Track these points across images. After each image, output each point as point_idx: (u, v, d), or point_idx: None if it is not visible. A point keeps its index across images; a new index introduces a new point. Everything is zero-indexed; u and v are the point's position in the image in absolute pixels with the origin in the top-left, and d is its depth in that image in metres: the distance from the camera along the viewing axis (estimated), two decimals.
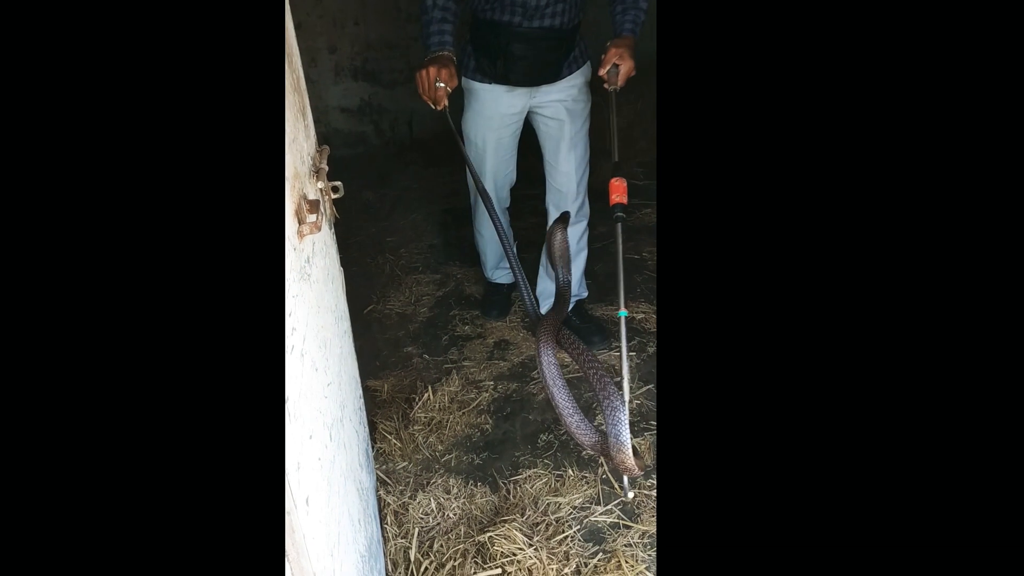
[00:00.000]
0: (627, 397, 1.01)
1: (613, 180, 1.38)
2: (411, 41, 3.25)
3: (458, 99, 1.67)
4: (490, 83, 1.67)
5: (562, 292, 1.12)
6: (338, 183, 1.09)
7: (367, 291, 2.31)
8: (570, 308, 1.99)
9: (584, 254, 1.95)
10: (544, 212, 1.93)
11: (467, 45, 1.69)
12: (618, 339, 1.96)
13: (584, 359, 0.95)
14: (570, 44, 1.65)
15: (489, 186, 1.83)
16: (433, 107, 1.49)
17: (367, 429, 1.41)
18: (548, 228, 1.22)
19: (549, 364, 0.97)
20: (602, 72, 1.56)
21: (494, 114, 1.71)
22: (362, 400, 1.37)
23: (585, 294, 2.04)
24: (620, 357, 1.11)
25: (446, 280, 2.37)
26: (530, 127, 1.82)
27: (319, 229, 0.85)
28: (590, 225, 1.94)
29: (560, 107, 1.72)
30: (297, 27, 0.88)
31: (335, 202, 1.16)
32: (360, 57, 3.30)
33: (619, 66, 1.54)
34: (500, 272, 2.11)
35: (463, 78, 1.69)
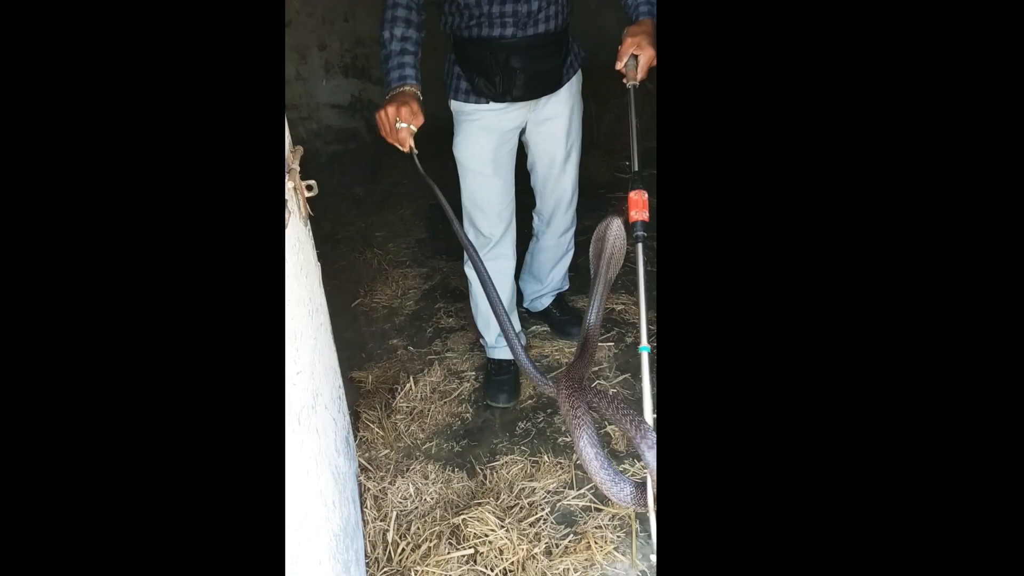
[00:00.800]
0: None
1: (632, 193, 1.20)
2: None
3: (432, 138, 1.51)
4: (487, 102, 1.53)
5: (590, 337, 0.99)
6: (312, 182, 1.14)
7: (355, 285, 2.36)
8: (551, 301, 2.02)
9: (570, 255, 1.94)
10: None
11: (453, 66, 1.56)
12: (601, 338, 2.01)
13: (617, 410, 0.83)
14: (565, 47, 1.55)
15: (492, 216, 1.65)
16: (401, 149, 1.34)
17: (347, 418, 1.46)
18: (602, 224, 1.09)
19: (587, 446, 0.82)
20: (619, 66, 1.38)
21: (492, 134, 1.57)
22: (342, 390, 1.42)
23: (567, 286, 2.05)
24: (642, 390, 0.91)
25: (432, 274, 2.42)
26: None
27: (287, 225, 0.90)
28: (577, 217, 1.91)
29: (560, 122, 1.62)
30: (287, 24, 0.93)
31: (312, 200, 1.20)
32: (350, 53, 3.34)
33: (638, 56, 1.36)
34: (504, 341, 1.84)
35: (452, 102, 1.57)
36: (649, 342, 1.71)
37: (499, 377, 1.82)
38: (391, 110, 1.30)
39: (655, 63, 1.36)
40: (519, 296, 2.02)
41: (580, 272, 2.25)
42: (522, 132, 1.65)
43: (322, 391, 1.19)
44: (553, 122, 1.62)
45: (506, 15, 1.43)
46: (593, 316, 1.01)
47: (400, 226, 2.74)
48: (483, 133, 1.56)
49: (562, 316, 2.02)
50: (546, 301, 2.01)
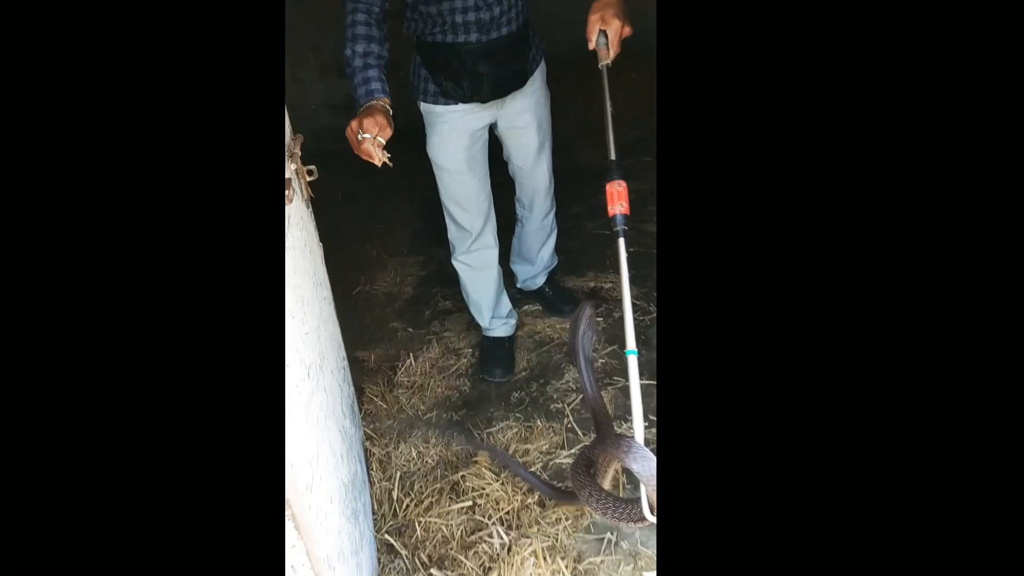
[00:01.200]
0: (641, 437, 0.94)
1: (610, 185, 1.14)
2: (394, 37, 3.40)
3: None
4: (456, 103, 1.57)
5: (596, 411, 1.04)
6: (312, 167, 1.25)
7: (355, 274, 2.47)
8: (544, 280, 2.10)
9: (554, 234, 2.01)
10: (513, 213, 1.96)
11: (419, 68, 1.58)
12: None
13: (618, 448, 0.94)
14: (527, 43, 1.59)
15: (473, 212, 1.73)
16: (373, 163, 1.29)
17: (352, 388, 1.57)
18: (576, 313, 1.09)
19: (597, 511, 0.96)
20: (591, 46, 1.31)
21: (464, 133, 1.62)
22: (346, 362, 1.53)
23: (555, 262, 2.10)
24: (631, 395, 0.94)
25: (429, 261, 2.52)
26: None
27: (291, 201, 1.01)
28: (559, 203, 2.00)
29: (529, 115, 1.67)
30: None
31: (313, 185, 1.31)
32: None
33: (607, 32, 1.27)
34: (498, 322, 1.93)
35: (422, 104, 1.61)
36: (614, 307, 1.75)
37: (495, 353, 1.92)
38: (355, 123, 1.27)
39: (628, 33, 1.30)
40: (513, 278, 2.13)
41: (570, 255, 2.36)
42: (494, 126, 1.70)
43: (328, 356, 1.30)
44: (523, 116, 1.67)
45: (469, 23, 1.46)
46: (590, 390, 1.03)
47: (397, 218, 2.85)
48: (455, 134, 1.61)
49: (555, 295, 2.11)
50: (540, 280, 2.09)
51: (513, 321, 1.97)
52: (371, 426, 1.75)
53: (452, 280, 2.39)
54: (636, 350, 1.00)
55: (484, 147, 1.71)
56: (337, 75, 3.49)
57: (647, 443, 0.94)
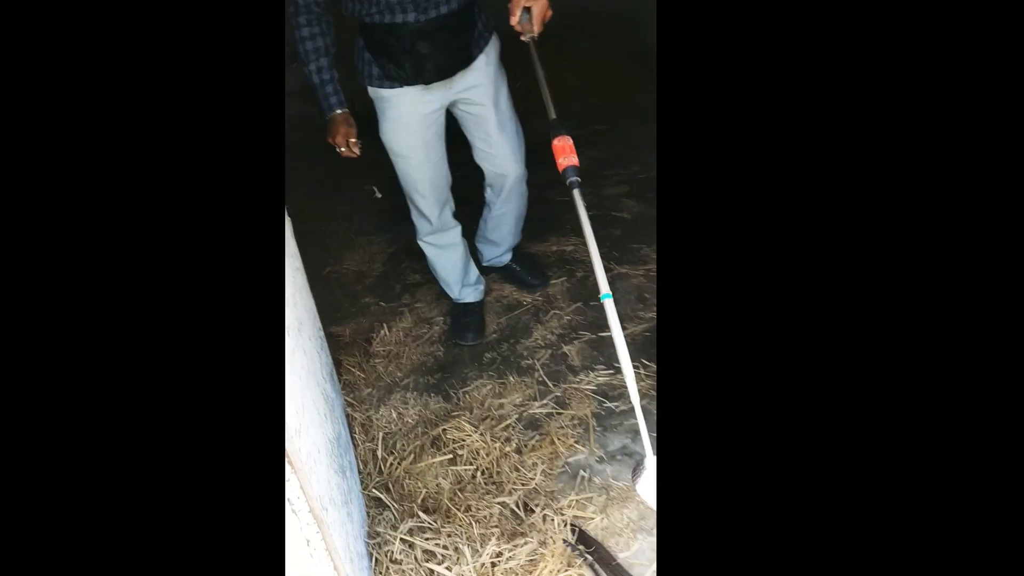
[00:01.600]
0: (632, 385, 1.01)
1: (555, 141, 1.20)
2: (352, 21, 3.40)
3: None
4: (402, 86, 1.56)
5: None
6: None
7: (324, 255, 2.51)
8: (511, 257, 2.09)
9: (522, 220, 2.00)
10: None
11: (363, 52, 1.57)
12: (556, 275, 2.11)
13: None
14: (471, 21, 1.56)
15: (431, 199, 1.76)
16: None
17: (330, 358, 1.63)
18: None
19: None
20: (513, 22, 1.41)
21: (413, 118, 1.60)
22: (322, 333, 1.59)
23: (519, 238, 2.09)
24: (614, 338, 1.00)
25: (397, 239, 2.58)
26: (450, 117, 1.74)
27: None
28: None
29: (481, 91, 1.63)
30: None
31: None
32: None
33: (530, 8, 1.39)
34: (467, 290, 1.99)
35: (369, 88, 1.61)
36: (577, 268, 1.81)
37: (465, 319, 1.99)
38: (328, 139, 1.62)
39: (550, 14, 1.41)
40: (478, 255, 2.13)
41: (530, 221, 2.43)
42: (452, 109, 1.69)
43: (304, 323, 1.36)
44: (475, 95, 1.63)
45: (405, 1, 1.43)
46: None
47: (363, 199, 2.89)
48: (405, 118, 1.60)
49: (522, 268, 2.11)
50: (506, 258, 2.10)
51: (481, 287, 2.04)
52: (351, 395, 1.81)
53: (420, 255, 2.45)
54: (610, 293, 1.06)
55: (439, 132, 1.68)
56: (290, 61, 3.48)
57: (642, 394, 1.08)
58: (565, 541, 1.27)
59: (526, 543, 1.30)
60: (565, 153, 1.16)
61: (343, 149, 1.60)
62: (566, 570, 1.26)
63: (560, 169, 1.17)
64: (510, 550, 1.29)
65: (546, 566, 1.25)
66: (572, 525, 1.32)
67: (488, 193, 1.92)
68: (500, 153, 1.74)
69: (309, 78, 1.56)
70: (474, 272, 2.03)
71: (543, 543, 1.31)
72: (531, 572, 1.26)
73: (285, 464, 0.86)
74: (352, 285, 2.34)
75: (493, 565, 1.27)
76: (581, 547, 1.27)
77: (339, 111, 1.57)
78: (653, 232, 2.28)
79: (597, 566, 1.25)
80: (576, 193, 1.15)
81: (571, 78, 3.20)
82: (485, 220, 2.01)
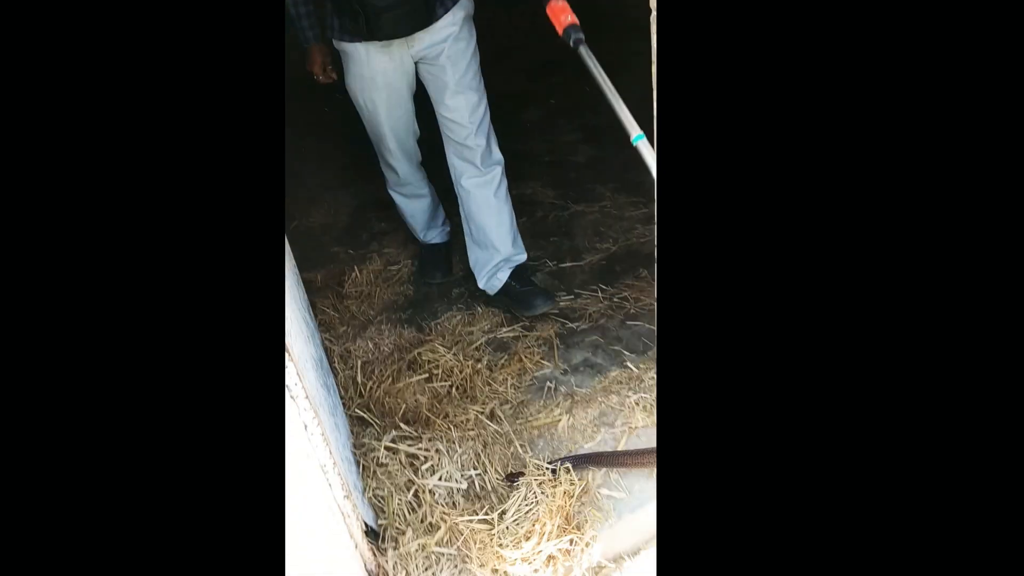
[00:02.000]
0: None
1: (549, 4, 1.13)
2: None
3: None
4: (361, 41, 1.55)
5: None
6: None
7: (290, 210, 2.57)
8: (510, 274, 1.84)
9: (508, 207, 1.82)
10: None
11: (326, 2, 1.55)
12: (518, 216, 1.92)
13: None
14: None
15: (397, 153, 1.79)
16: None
17: (306, 296, 1.72)
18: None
19: None
20: None
21: (375, 74, 1.60)
22: (297, 273, 1.68)
23: (523, 256, 1.87)
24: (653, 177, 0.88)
25: (361, 192, 2.65)
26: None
27: None
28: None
29: (441, 55, 1.58)
30: None
31: None
32: None
33: None
34: (433, 232, 2.05)
35: (333, 41, 1.63)
36: (536, 209, 1.82)
37: (433, 259, 2.08)
38: (309, 69, 1.74)
39: None
40: (473, 278, 1.90)
41: (528, 232, 2.11)
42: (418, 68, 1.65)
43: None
44: (435, 54, 1.59)
45: None
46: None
47: (325, 155, 2.94)
48: (367, 72, 1.60)
49: (522, 287, 1.82)
50: (503, 276, 1.83)
51: (448, 228, 2.14)
52: (327, 333, 1.90)
53: (386, 204, 2.52)
54: (642, 134, 0.97)
55: (403, 89, 1.66)
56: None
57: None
58: (548, 469, 1.37)
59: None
60: (562, 13, 1.10)
61: (320, 77, 1.74)
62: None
63: (560, 31, 1.11)
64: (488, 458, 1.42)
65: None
66: (508, 477, 1.38)
67: (452, 175, 1.79)
68: (454, 118, 1.67)
69: (288, 11, 1.64)
70: (441, 216, 2.12)
71: (522, 447, 1.44)
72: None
73: (284, 352, 0.96)
74: (319, 237, 2.41)
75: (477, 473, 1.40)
76: (557, 464, 1.36)
77: (315, 43, 1.69)
78: (605, 173, 2.41)
79: (589, 463, 1.37)
80: (583, 50, 1.08)
81: (520, 29, 3.29)
82: (464, 216, 1.85)
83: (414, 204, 2.01)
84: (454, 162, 1.77)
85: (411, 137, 1.79)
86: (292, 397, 1.00)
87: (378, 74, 1.61)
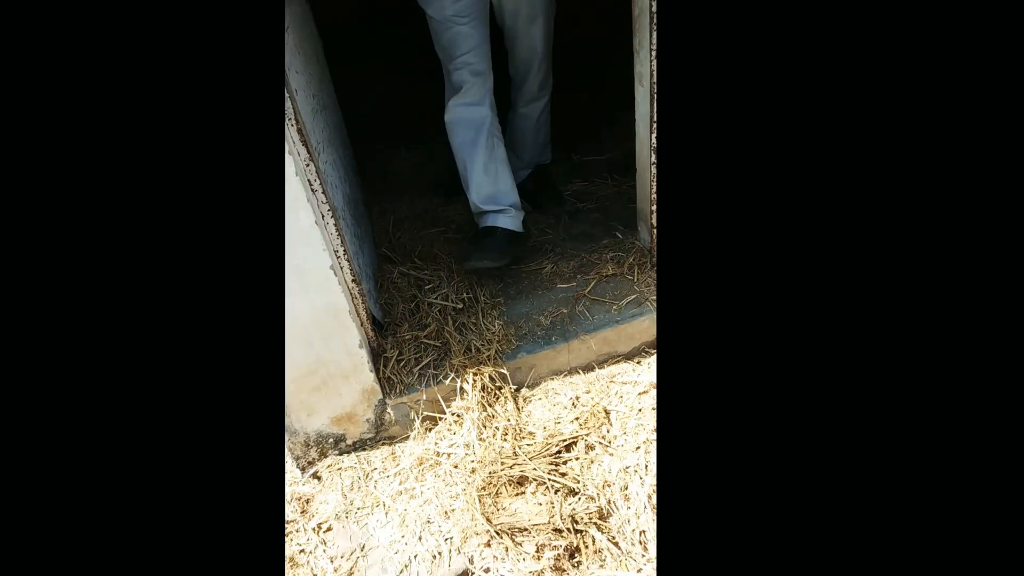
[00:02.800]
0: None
1: None
2: None
3: None
4: None
5: None
6: None
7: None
8: (527, 175, 2.02)
9: (546, 128, 1.96)
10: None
11: None
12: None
13: None
14: None
15: (468, 72, 1.64)
16: None
17: (353, 158, 2.06)
18: None
19: None
20: None
21: None
22: (345, 131, 2.02)
23: (548, 158, 2.07)
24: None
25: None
26: None
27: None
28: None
29: None
30: None
31: None
32: None
33: None
34: (491, 206, 1.73)
35: None
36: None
37: (485, 240, 1.72)
38: None
39: None
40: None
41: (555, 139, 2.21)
42: None
43: (329, 108, 1.77)
44: None
45: None
46: None
47: None
48: None
49: (535, 187, 2.01)
50: (522, 175, 2.01)
51: (519, 215, 1.81)
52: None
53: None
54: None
55: (479, 4, 1.61)
56: None
57: None
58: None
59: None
60: None
61: None
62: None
63: None
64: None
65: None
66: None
67: (512, 91, 1.88)
68: (526, 44, 1.71)
69: None
70: (506, 182, 1.73)
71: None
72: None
73: (292, 133, 1.28)
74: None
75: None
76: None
77: None
78: None
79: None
80: None
81: None
82: (508, 123, 1.93)
83: (464, 128, 1.73)
84: (513, 92, 1.85)
85: (482, 52, 1.66)
86: (294, 160, 1.32)
87: None
